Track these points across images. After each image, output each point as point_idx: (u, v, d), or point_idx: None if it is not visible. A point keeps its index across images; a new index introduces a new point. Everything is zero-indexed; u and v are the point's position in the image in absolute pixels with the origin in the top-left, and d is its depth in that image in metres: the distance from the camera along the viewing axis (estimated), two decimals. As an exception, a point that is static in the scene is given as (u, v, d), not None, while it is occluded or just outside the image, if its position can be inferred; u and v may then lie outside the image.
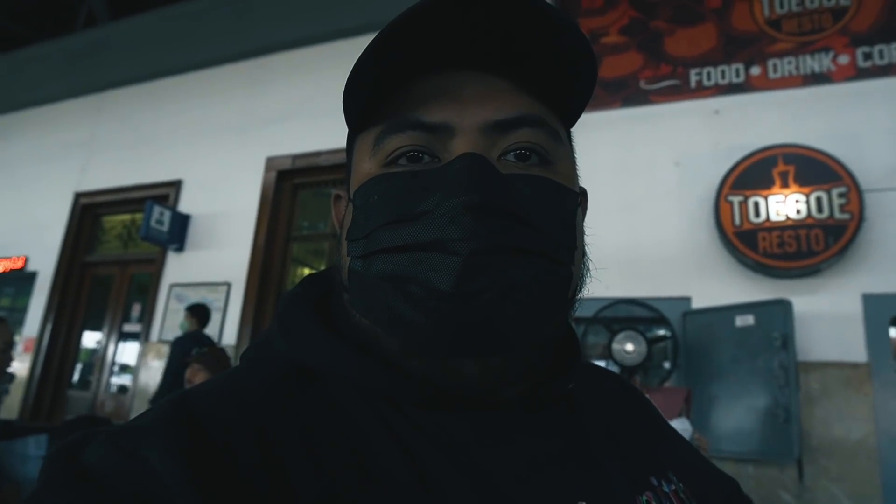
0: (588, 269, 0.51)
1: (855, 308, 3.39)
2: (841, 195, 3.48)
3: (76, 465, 0.35)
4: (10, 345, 2.31)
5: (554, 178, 0.47)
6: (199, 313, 4.65)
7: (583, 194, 0.55)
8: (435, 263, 0.40)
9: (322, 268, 0.58)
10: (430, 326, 0.41)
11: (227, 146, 5.72)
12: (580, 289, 0.50)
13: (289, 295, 0.52)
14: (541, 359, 0.49)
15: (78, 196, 6.48)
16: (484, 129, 0.45)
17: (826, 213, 3.49)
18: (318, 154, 5.17)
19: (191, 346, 4.18)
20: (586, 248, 0.51)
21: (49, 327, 6.12)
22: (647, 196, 4.00)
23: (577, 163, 0.53)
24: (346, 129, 0.53)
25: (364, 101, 0.46)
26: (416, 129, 0.45)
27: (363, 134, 0.49)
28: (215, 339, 5.07)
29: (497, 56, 0.46)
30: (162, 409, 0.38)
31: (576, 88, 0.49)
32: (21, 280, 6.53)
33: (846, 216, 3.44)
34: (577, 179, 0.52)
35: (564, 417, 0.50)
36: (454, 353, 0.42)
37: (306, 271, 5.25)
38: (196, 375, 2.82)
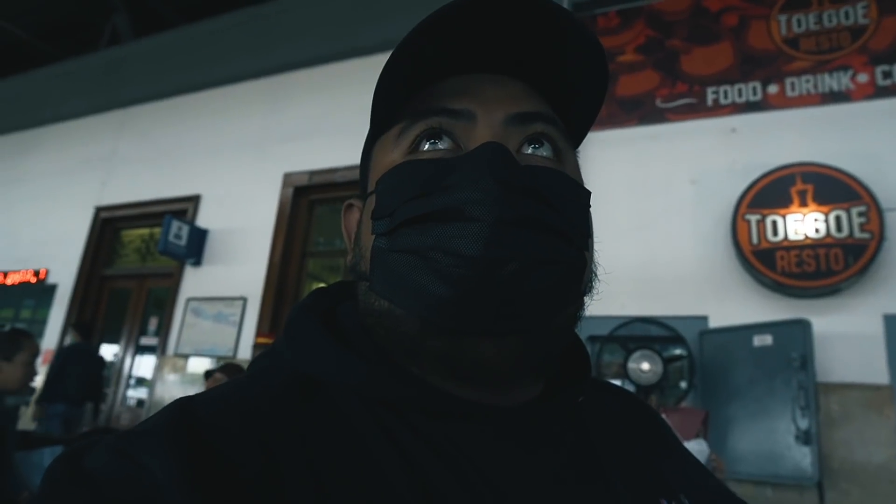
0: (596, 274, 0.51)
1: (876, 328, 3.33)
2: (860, 214, 3.44)
3: (77, 470, 0.35)
4: (35, 356, 2.36)
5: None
6: (81, 329, 5.52)
7: None
8: (461, 230, 0.41)
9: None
10: (453, 298, 0.41)
11: (245, 162, 5.79)
12: (590, 287, 0.50)
13: (298, 306, 0.52)
14: (550, 358, 0.49)
15: (98, 210, 6.58)
16: (504, 120, 0.47)
17: (846, 232, 3.45)
18: (334, 170, 5.21)
19: (76, 355, 5.26)
20: (595, 253, 0.52)
21: (68, 339, 6.18)
22: (664, 214, 3.98)
23: (584, 172, 0.54)
24: (363, 146, 0.54)
25: (395, 98, 0.48)
26: (441, 115, 0.47)
27: (382, 137, 0.50)
28: (231, 353, 5.11)
29: (515, 62, 0.49)
30: (165, 415, 0.38)
31: (583, 104, 0.52)
32: (41, 292, 6.62)
33: (866, 235, 3.40)
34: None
35: (573, 432, 0.49)
36: (475, 327, 0.42)
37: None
38: (216, 384, 2.84)
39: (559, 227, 0.44)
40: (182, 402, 0.40)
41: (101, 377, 5.42)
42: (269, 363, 0.50)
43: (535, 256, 0.41)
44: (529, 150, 0.47)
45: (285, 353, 0.49)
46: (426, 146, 0.47)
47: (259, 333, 4.63)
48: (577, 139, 0.54)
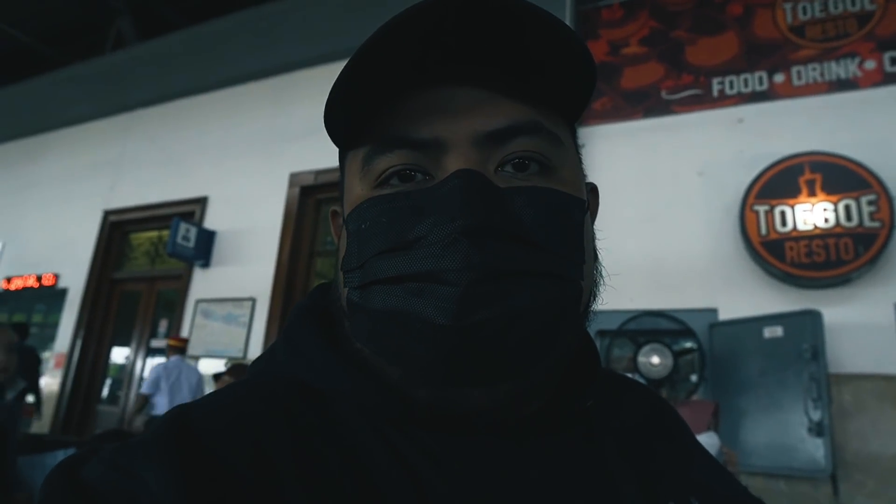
0: (601, 276, 0.49)
1: (888, 318, 3.30)
2: (870, 203, 3.41)
3: (75, 481, 0.35)
4: (5, 347, 2.34)
5: (557, 186, 0.44)
6: (18, 329, 5.50)
7: (592, 191, 0.52)
8: (432, 296, 0.38)
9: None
10: (431, 360, 0.39)
11: (252, 163, 5.80)
12: (593, 300, 0.47)
13: (297, 307, 0.52)
14: (554, 377, 0.47)
15: (107, 213, 6.61)
16: (477, 142, 0.42)
17: (855, 221, 3.42)
18: (340, 169, 5.21)
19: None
20: (598, 252, 0.49)
21: (79, 343, 6.23)
22: (671, 207, 3.96)
23: (591, 166, 0.51)
24: (339, 153, 0.53)
25: (348, 120, 0.44)
26: (405, 147, 0.42)
27: (353, 152, 0.47)
28: (241, 353, 5.13)
29: (486, 64, 0.44)
30: (161, 425, 0.38)
31: (573, 84, 0.45)
32: (52, 296, 6.67)
33: (876, 224, 3.37)
34: (584, 182, 0.49)
35: (580, 438, 0.47)
36: (459, 384, 0.40)
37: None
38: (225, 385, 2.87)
39: (542, 268, 0.40)
40: (178, 412, 0.40)
41: (38, 373, 5.76)
42: (267, 367, 0.50)
43: (517, 308, 0.38)
44: (510, 170, 0.43)
45: (282, 357, 0.48)
46: (394, 179, 0.43)
47: (170, 335, 4.72)
48: (574, 115, 0.49)
